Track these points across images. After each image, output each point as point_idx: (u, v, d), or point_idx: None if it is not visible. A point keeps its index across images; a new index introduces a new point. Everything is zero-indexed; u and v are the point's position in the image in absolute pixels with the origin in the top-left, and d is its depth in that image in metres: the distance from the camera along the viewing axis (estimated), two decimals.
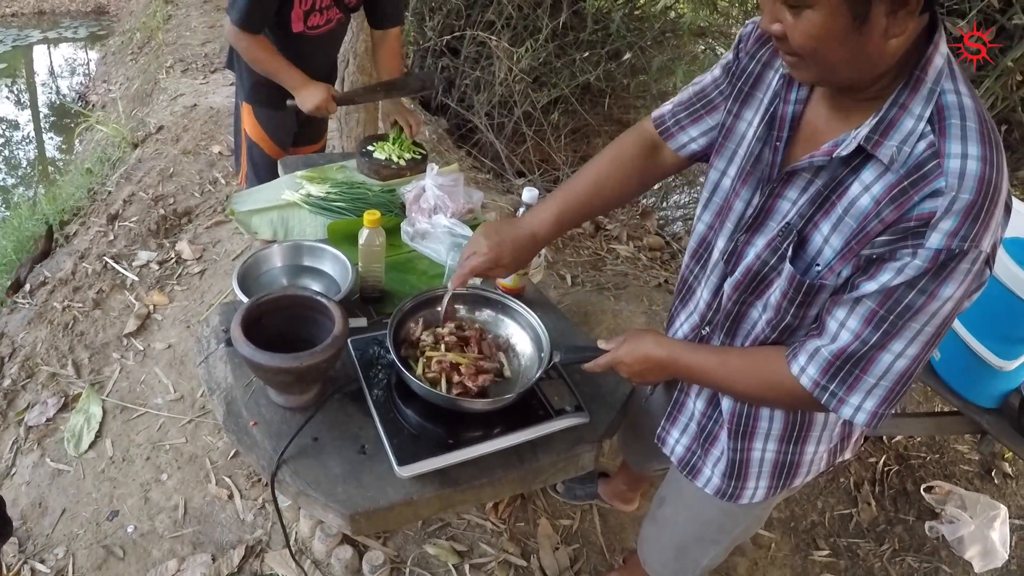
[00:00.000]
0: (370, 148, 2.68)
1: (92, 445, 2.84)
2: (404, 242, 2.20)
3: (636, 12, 6.63)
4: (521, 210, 1.97)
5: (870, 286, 1.11)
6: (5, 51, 13.62)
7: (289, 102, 2.71)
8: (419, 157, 2.67)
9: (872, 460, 3.14)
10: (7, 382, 3.19)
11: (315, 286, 1.93)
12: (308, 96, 2.60)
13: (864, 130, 1.11)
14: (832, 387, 1.20)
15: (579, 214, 1.63)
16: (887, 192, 1.09)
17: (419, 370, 1.60)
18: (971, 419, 2.34)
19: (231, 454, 2.71)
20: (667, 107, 1.55)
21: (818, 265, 1.19)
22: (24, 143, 9.51)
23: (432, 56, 6.43)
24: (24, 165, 8.71)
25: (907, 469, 3.13)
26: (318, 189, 2.41)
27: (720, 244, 1.40)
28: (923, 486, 3.03)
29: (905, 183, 1.07)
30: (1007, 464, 3.28)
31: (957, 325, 2.25)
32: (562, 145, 5.92)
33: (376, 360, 1.68)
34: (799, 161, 1.21)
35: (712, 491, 1.57)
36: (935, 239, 1.03)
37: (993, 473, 3.22)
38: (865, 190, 1.12)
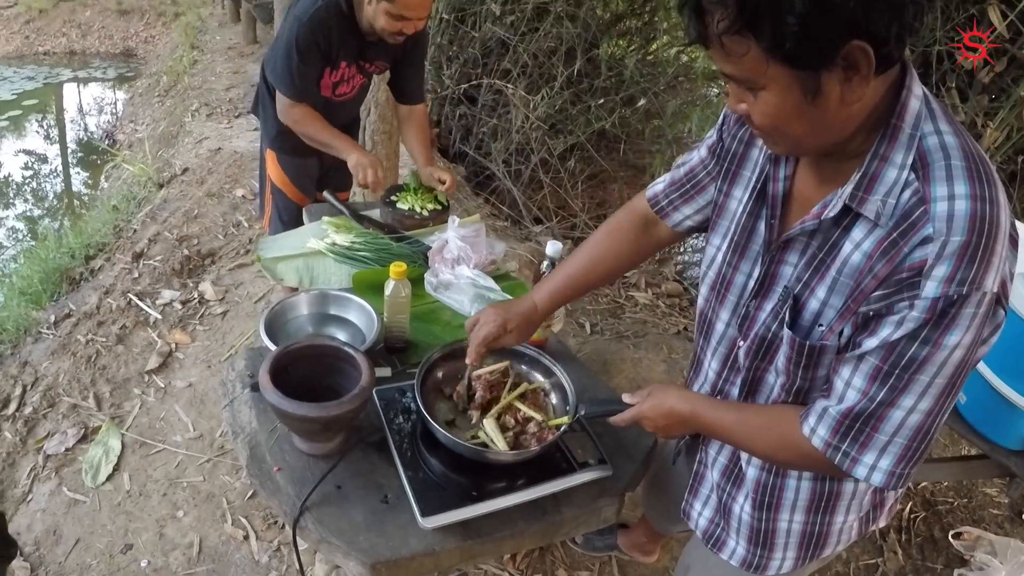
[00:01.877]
0: (393, 198, 2.75)
1: (110, 477, 2.90)
2: (428, 292, 2.25)
3: (649, 57, 6.74)
4: (545, 263, 2.02)
5: (871, 342, 1.10)
6: (37, 88, 13.92)
7: (326, 193, 2.81)
8: (441, 208, 2.74)
9: (898, 507, 3.08)
10: (28, 410, 3.26)
11: (341, 335, 1.98)
12: (361, 162, 2.67)
13: (849, 188, 1.11)
14: (844, 447, 1.17)
15: (576, 290, 1.73)
16: (877, 246, 1.09)
17: (488, 422, 1.66)
18: (999, 462, 2.28)
19: (248, 495, 2.75)
20: (659, 186, 1.60)
21: (821, 326, 1.19)
22: (52, 177, 9.70)
23: (450, 104, 6.54)
24: (51, 198, 8.89)
25: (934, 515, 3.08)
26: (343, 238, 2.47)
27: (723, 316, 1.42)
28: (951, 532, 2.96)
29: (894, 235, 1.06)
30: None
31: (981, 366, 2.20)
32: (579, 191, 5.97)
33: (401, 410, 1.72)
34: (792, 228, 1.23)
35: (738, 563, 1.54)
36: (930, 287, 1.02)
37: None
38: (856, 248, 1.12)
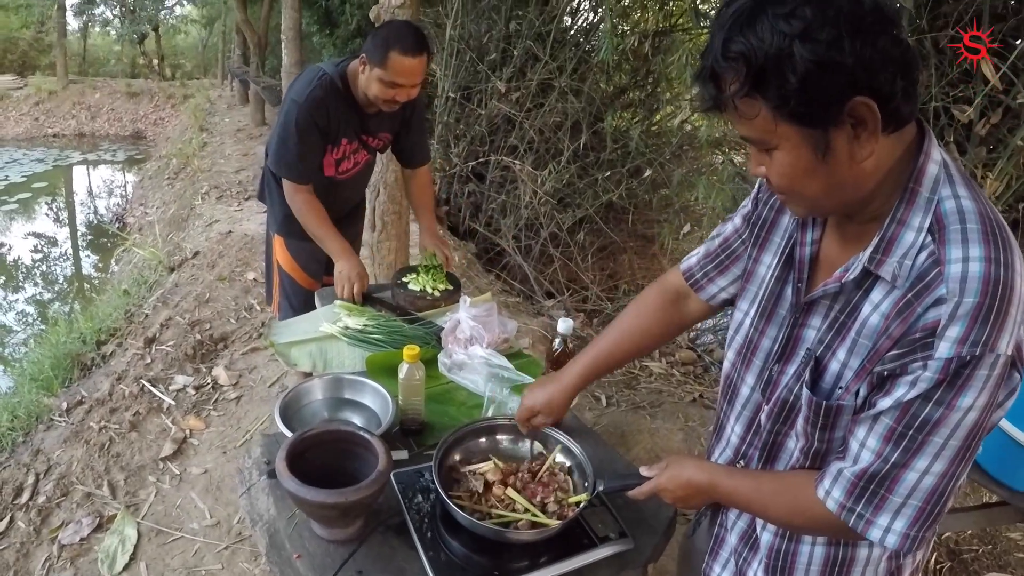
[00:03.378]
0: (404, 280, 2.78)
1: (126, 567, 2.87)
2: (442, 373, 2.26)
3: (653, 128, 6.86)
4: (557, 341, 2.04)
5: (886, 402, 1.10)
6: (47, 170, 14.17)
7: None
8: (452, 288, 2.77)
9: (922, 561, 3.04)
10: (42, 499, 3.24)
11: (356, 419, 1.99)
12: (349, 269, 2.72)
13: (868, 251, 1.13)
14: (858, 509, 1.17)
15: (607, 364, 1.75)
16: (894, 307, 1.10)
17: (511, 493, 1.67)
18: (1018, 507, 2.29)
19: None
20: (694, 259, 1.62)
21: (841, 388, 1.19)
22: (62, 260, 9.79)
23: (459, 182, 6.64)
24: (61, 281, 8.97)
25: (960, 564, 3.05)
26: (355, 321, 2.49)
27: (749, 380, 1.43)
28: None
29: (909, 295, 1.07)
30: None
31: None
32: (589, 264, 6.03)
33: (419, 492, 1.73)
34: (815, 290, 1.25)
35: None
36: (944, 348, 1.02)
37: None
38: (875, 309, 1.13)
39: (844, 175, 1.09)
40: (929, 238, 1.08)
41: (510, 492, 1.66)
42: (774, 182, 1.15)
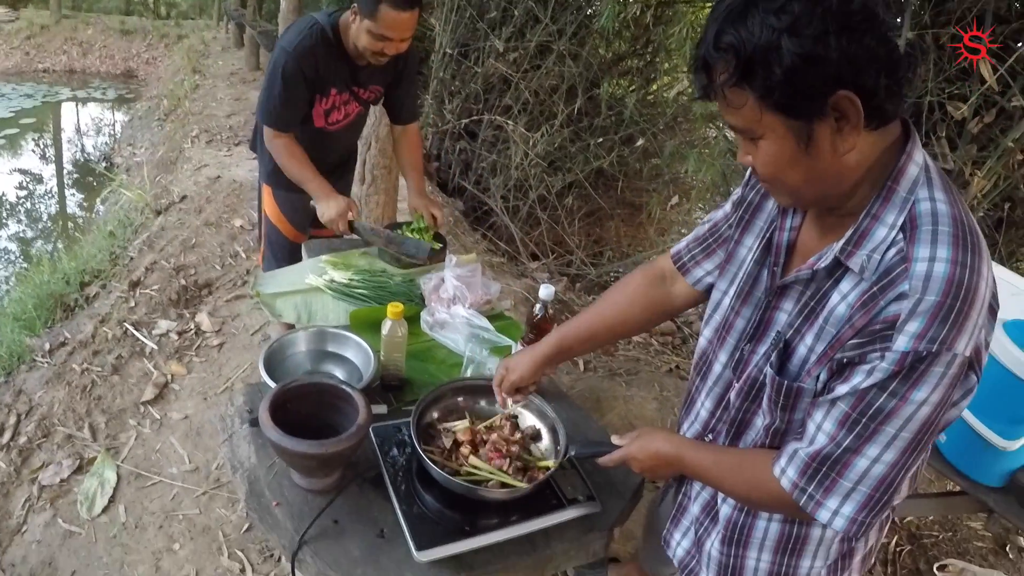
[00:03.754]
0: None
1: (105, 509, 2.89)
2: (424, 331, 2.29)
3: (649, 98, 6.84)
4: (537, 307, 2.07)
5: (843, 388, 1.15)
6: (35, 106, 13.98)
7: (313, 203, 2.86)
8: (439, 247, 2.79)
9: (884, 541, 3.11)
10: (23, 439, 3.26)
11: (338, 372, 2.02)
12: (327, 208, 2.71)
13: (841, 242, 1.18)
14: (810, 489, 1.22)
15: (580, 343, 1.79)
16: (860, 299, 1.14)
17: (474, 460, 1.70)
18: (978, 499, 2.34)
19: (244, 528, 2.75)
20: (683, 244, 1.67)
21: (806, 372, 1.25)
22: (47, 198, 9.69)
23: (450, 139, 6.62)
24: (45, 219, 8.88)
25: (919, 548, 3.11)
26: (341, 275, 2.51)
27: (722, 358, 1.48)
28: (936, 565, 2.99)
29: (874, 288, 1.12)
30: (1021, 538, 3.25)
31: None
32: (576, 229, 6.05)
33: (396, 447, 1.76)
34: (789, 276, 1.30)
35: None
36: (902, 341, 1.07)
37: (1008, 548, 3.20)
38: (842, 299, 1.18)
39: (826, 167, 1.13)
40: (900, 235, 1.12)
41: (473, 460, 1.70)
42: (759, 170, 1.19)
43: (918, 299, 1.06)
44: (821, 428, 1.20)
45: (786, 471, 1.25)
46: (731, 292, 1.48)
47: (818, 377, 1.22)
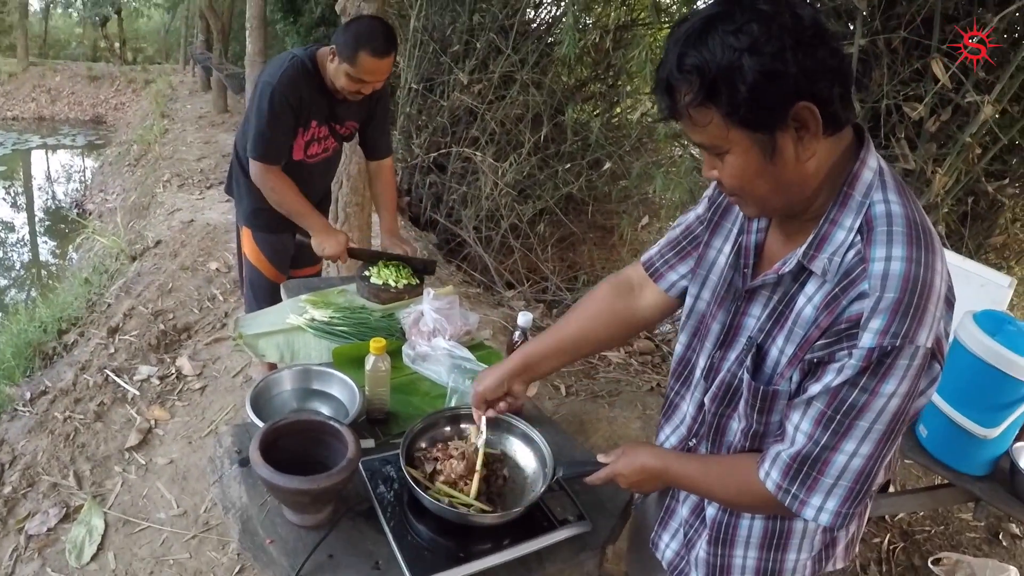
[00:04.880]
0: (367, 273, 2.83)
1: (94, 557, 2.89)
2: (406, 365, 2.32)
3: (614, 121, 6.94)
4: (517, 333, 2.12)
5: (816, 388, 1.20)
6: (5, 154, 13.93)
7: (299, 237, 2.91)
8: (415, 283, 2.84)
9: (876, 540, 3.16)
10: (7, 489, 3.25)
11: (324, 409, 2.05)
12: (327, 243, 2.83)
13: (803, 247, 1.24)
14: (793, 489, 1.27)
15: (546, 360, 1.81)
16: (824, 300, 1.20)
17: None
18: (964, 489, 2.39)
19: (236, 570, 2.77)
20: (654, 249, 1.69)
21: (779, 375, 1.30)
22: (19, 246, 9.65)
23: (420, 173, 6.68)
24: (19, 268, 8.84)
25: (912, 544, 3.14)
26: (321, 314, 2.55)
27: (701, 363, 1.52)
28: (930, 559, 3.01)
29: (836, 290, 1.17)
30: (1014, 525, 3.29)
31: (937, 399, 2.35)
32: (549, 255, 6.11)
33: (386, 479, 1.79)
34: (755, 280, 1.36)
35: None
36: (866, 338, 1.12)
37: (1000, 536, 3.24)
38: (808, 301, 1.24)
39: (790, 175, 1.19)
40: (858, 237, 1.18)
41: (440, 487, 1.72)
42: (726, 184, 1.25)
43: (878, 297, 1.12)
44: (799, 428, 1.25)
45: (770, 474, 1.30)
46: (705, 296, 1.52)
47: (791, 378, 1.27)
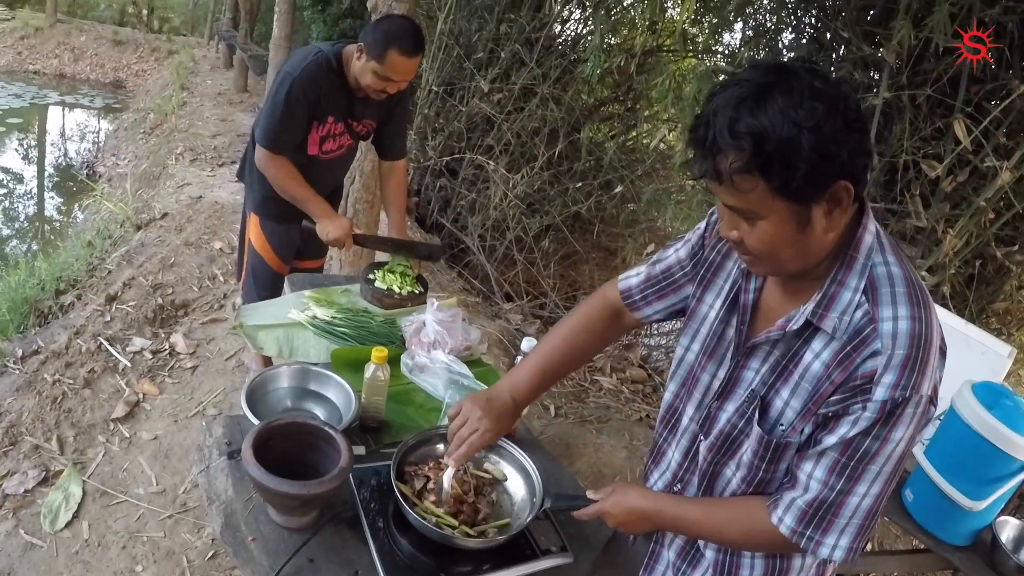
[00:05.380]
0: (371, 277, 2.85)
1: (68, 524, 2.89)
2: (403, 374, 2.33)
3: (629, 143, 6.96)
4: (519, 359, 2.12)
5: (830, 439, 1.26)
6: (23, 106, 13.95)
7: (306, 224, 2.92)
8: (419, 291, 2.84)
9: None
10: None
11: (319, 411, 2.06)
12: (331, 228, 2.84)
13: (810, 306, 1.29)
14: (808, 532, 1.32)
15: (550, 381, 1.83)
16: (834, 357, 1.26)
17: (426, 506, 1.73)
18: (943, 557, 2.42)
19: (209, 555, 2.77)
20: (633, 280, 1.72)
21: (782, 425, 1.34)
22: (25, 199, 9.66)
23: (431, 175, 6.69)
24: (22, 219, 8.82)
25: None
26: (324, 312, 2.55)
27: (689, 411, 1.56)
28: None
29: (848, 348, 1.24)
30: None
31: (928, 468, 2.38)
32: (551, 271, 6.10)
33: (374, 489, 1.80)
34: (757, 336, 1.40)
35: None
36: (880, 392, 1.20)
37: None
38: (816, 357, 1.29)
39: (814, 245, 1.24)
40: (864, 298, 1.25)
41: (427, 505, 1.73)
42: (752, 247, 1.28)
43: (890, 355, 1.20)
44: (813, 476, 1.31)
45: (784, 520, 1.35)
46: (695, 348, 1.56)
47: (802, 431, 1.32)
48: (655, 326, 5.97)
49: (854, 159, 1.16)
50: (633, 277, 1.73)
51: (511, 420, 1.78)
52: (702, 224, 1.61)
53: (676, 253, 1.65)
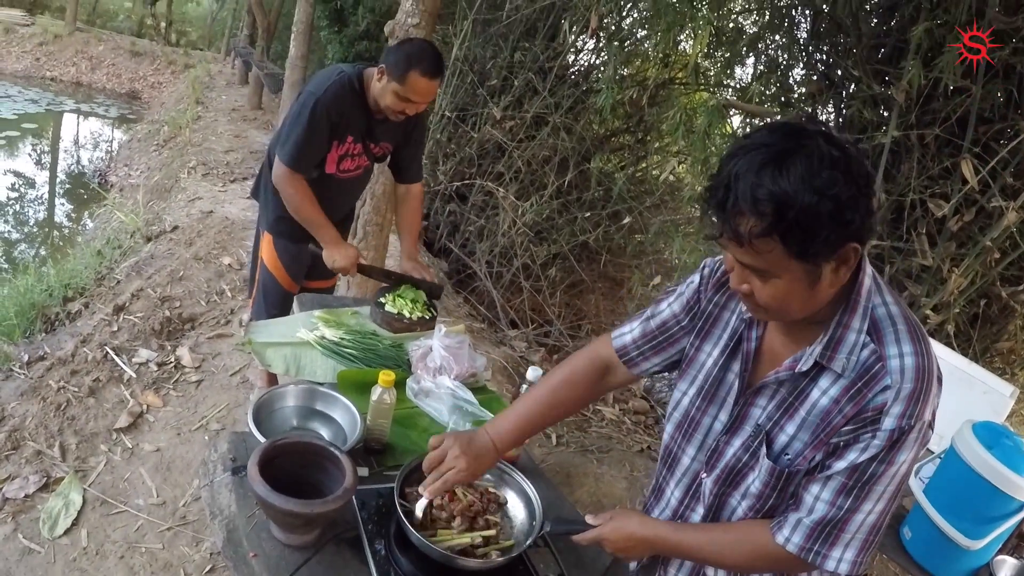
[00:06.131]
0: (382, 300, 2.87)
1: (67, 532, 2.90)
2: (408, 397, 2.35)
3: (638, 175, 7.00)
4: (524, 387, 2.14)
5: (840, 464, 1.34)
6: (38, 112, 14.05)
7: (311, 247, 2.96)
8: (429, 316, 2.87)
9: None
10: None
11: (324, 431, 2.08)
12: (338, 256, 2.88)
13: (818, 348, 1.36)
14: (816, 547, 1.39)
15: (532, 432, 1.86)
16: (844, 393, 1.34)
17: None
18: None
19: (207, 568, 2.78)
20: (628, 338, 1.74)
21: (787, 455, 1.42)
22: (36, 204, 9.70)
23: (441, 199, 6.73)
24: (32, 224, 8.86)
25: None
26: (332, 333, 2.58)
27: (690, 452, 1.61)
28: None
29: (859, 384, 1.32)
30: None
31: (927, 506, 2.40)
32: (557, 299, 6.11)
33: (376, 510, 1.83)
34: (766, 377, 1.46)
35: None
36: (888, 422, 1.28)
37: None
38: (823, 394, 1.37)
39: (820, 298, 1.32)
40: (868, 338, 1.34)
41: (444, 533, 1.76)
42: (763, 301, 1.33)
43: (899, 388, 1.28)
44: (820, 498, 1.38)
45: (791, 539, 1.41)
46: (691, 393, 1.61)
47: (813, 459, 1.39)
48: None
49: (864, 222, 1.22)
50: (627, 334, 1.75)
51: (488, 464, 1.78)
52: (695, 277, 1.65)
53: (670, 308, 1.68)
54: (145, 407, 3.67)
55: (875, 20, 4.35)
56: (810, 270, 1.25)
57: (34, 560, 2.78)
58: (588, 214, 6.22)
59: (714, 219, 1.27)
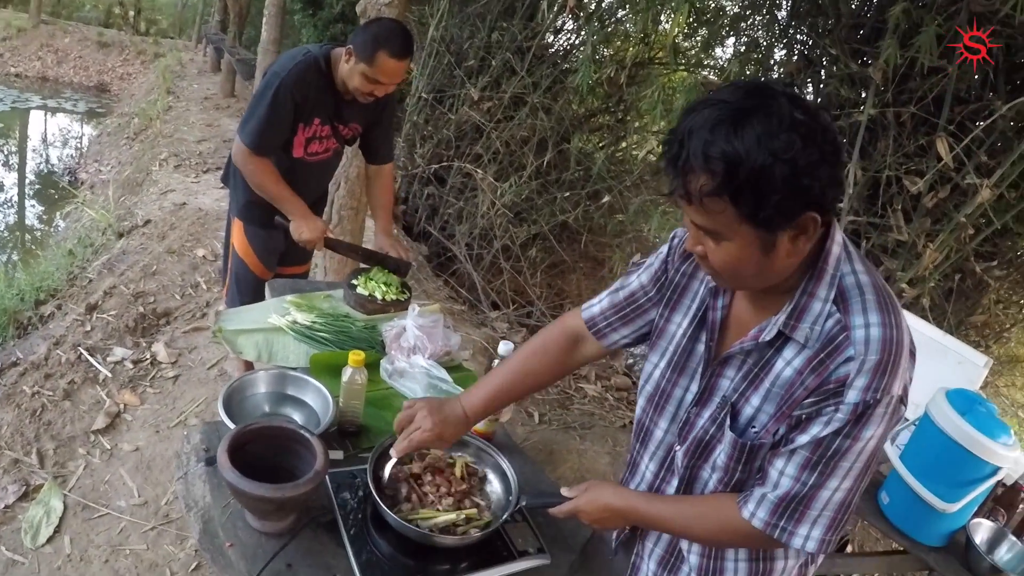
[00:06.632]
0: (354, 282, 2.83)
1: (50, 540, 2.85)
2: (383, 379, 2.32)
3: (618, 155, 6.98)
4: (496, 362, 2.12)
5: (803, 439, 1.30)
6: (3, 111, 13.80)
7: (278, 219, 2.90)
8: (403, 298, 2.84)
9: None
10: None
11: (297, 416, 2.04)
12: (306, 228, 2.83)
13: (782, 317, 1.32)
14: (781, 523, 1.36)
15: (505, 401, 1.85)
16: (807, 364, 1.29)
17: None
18: (919, 558, 2.48)
19: (192, 566, 2.74)
20: (596, 308, 1.73)
21: (754, 428, 1.38)
22: (5, 207, 9.50)
23: (419, 183, 6.68)
24: (1, 229, 8.71)
25: None
26: (304, 317, 2.54)
27: (662, 424, 1.58)
28: None
29: (822, 355, 1.27)
30: None
31: (903, 471, 2.43)
32: (538, 280, 6.11)
33: (351, 493, 1.79)
34: (732, 347, 1.42)
35: None
36: (852, 395, 1.24)
37: None
38: (787, 364, 1.33)
39: (777, 267, 1.27)
40: (834, 307, 1.29)
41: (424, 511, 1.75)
42: (715, 264, 1.30)
43: (863, 360, 1.23)
44: (784, 473, 1.34)
45: (756, 513, 1.38)
46: (662, 365, 1.58)
47: (776, 432, 1.35)
48: None
49: (825, 192, 1.18)
50: (596, 306, 1.74)
51: (458, 430, 1.77)
52: (664, 248, 1.63)
53: (639, 279, 1.66)
54: (122, 407, 3.61)
55: (855, 1, 4.37)
56: (764, 236, 1.20)
57: (18, 572, 2.73)
58: (568, 194, 6.19)
59: (669, 175, 1.24)
